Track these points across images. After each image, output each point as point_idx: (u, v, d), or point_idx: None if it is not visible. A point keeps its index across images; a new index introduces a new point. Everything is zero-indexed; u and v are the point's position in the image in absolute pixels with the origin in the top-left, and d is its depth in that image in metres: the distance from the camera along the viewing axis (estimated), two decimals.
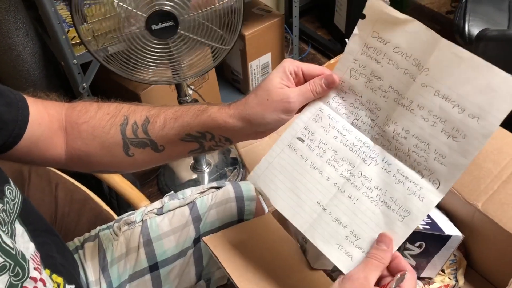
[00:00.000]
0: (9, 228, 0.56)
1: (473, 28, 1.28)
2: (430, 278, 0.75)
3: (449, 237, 0.71)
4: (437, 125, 0.50)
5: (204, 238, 0.67)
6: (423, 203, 0.51)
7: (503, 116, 0.47)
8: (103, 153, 0.66)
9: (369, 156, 0.55)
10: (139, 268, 0.84)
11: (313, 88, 0.58)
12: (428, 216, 0.73)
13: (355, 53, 0.56)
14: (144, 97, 1.52)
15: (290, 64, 0.58)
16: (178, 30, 1.14)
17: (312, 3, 2.48)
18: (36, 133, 0.64)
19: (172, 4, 1.11)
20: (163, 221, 0.88)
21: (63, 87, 1.55)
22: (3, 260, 0.52)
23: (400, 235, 0.51)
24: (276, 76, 0.57)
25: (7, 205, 0.57)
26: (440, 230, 0.71)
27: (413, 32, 0.51)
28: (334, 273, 0.68)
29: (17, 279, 0.53)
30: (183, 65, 1.29)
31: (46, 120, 0.65)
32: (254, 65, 1.93)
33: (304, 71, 0.58)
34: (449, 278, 0.76)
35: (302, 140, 0.58)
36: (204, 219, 0.88)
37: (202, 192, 0.92)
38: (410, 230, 0.51)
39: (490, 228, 0.69)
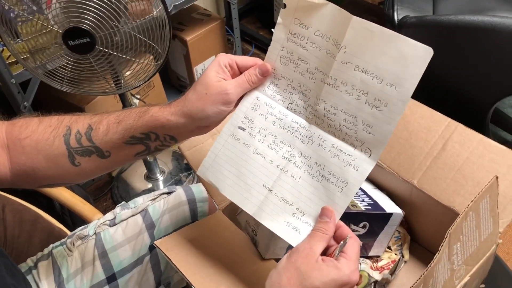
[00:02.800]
0: None
1: (401, 16, 1.34)
2: (378, 256, 0.79)
3: (390, 214, 0.75)
4: (361, 97, 0.54)
5: (156, 242, 0.68)
6: (358, 172, 0.55)
7: (416, 80, 0.51)
8: (48, 165, 0.66)
9: (306, 136, 0.59)
10: (96, 281, 0.84)
11: (248, 79, 0.61)
12: (369, 197, 0.77)
13: (281, 41, 0.59)
14: (89, 110, 1.50)
15: (225, 58, 0.60)
16: (97, 46, 1.14)
17: (251, 4, 2.51)
18: None
19: (88, 22, 1.11)
20: (117, 232, 0.88)
21: (3, 106, 1.50)
22: None
23: (341, 205, 0.55)
24: (212, 70, 0.59)
25: None
26: (382, 209, 0.74)
27: (328, 14, 0.55)
28: None
29: None
30: (125, 75, 1.28)
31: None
32: (200, 69, 1.94)
33: (238, 63, 0.60)
34: (395, 254, 0.80)
35: (243, 129, 0.61)
36: (158, 225, 0.89)
37: (153, 199, 0.93)
38: (349, 199, 0.55)
39: (426, 202, 0.73)
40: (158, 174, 1.67)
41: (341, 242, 0.53)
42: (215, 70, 0.59)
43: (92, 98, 1.50)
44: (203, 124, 0.61)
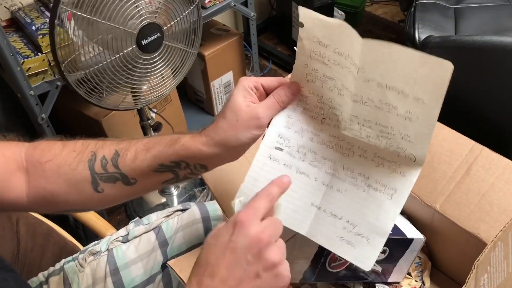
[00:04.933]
0: None
1: (422, 35, 1.33)
2: (398, 282, 0.76)
3: (411, 240, 0.72)
4: (392, 110, 0.53)
5: (169, 262, 0.66)
6: (405, 178, 0.55)
7: (441, 93, 0.50)
8: (70, 191, 0.64)
9: (346, 148, 0.58)
10: None
11: (278, 99, 0.59)
12: None
13: (305, 59, 0.58)
14: (106, 123, 1.50)
15: (249, 81, 0.58)
16: (164, 41, 1.15)
17: (269, 20, 2.52)
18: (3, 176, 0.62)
19: (156, 15, 1.12)
20: (129, 249, 0.86)
21: (21, 119, 1.52)
22: None
23: (392, 213, 0.55)
24: (239, 95, 0.57)
25: None
26: (402, 234, 0.72)
27: (343, 34, 0.53)
28: (302, 285, 0.68)
29: None
30: (143, 89, 1.29)
31: (1, 162, 0.63)
32: (217, 84, 1.94)
33: (263, 84, 0.59)
34: (415, 281, 0.77)
35: (281, 149, 0.59)
36: (171, 243, 0.87)
37: (167, 216, 0.92)
38: (400, 206, 0.55)
39: (449, 228, 0.71)
40: (172, 189, 1.66)
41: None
42: (242, 95, 0.57)
43: (110, 111, 1.51)
44: (237, 151, 0.59)
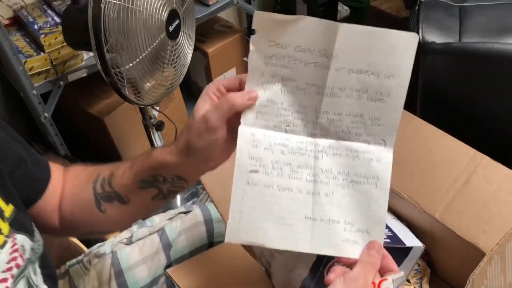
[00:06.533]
0: (34, 266, 0.59)
1: (427, 35, 1.32)
2: None
3: (410, 248, 0.73)
4: (362, 96, 0.55)
5: (168, 270, 0.68)
6: (382, 163, 0.57)
7: (408, 64, 0.54)
8: (81, 211, 0.67)
9: (318, 151, 0.58)
10: None
11: (227, 98, 0.56)
12: (389, 228, 0.75)
13: (259, 68, 0.56)
14: (109, 121, 1.51)
15: (211, 85, 0.58)
16: (181, 29, 1.14)
17: None
18: (50, 193, 0.67)
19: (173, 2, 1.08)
20: (133, 251, 0.87)
21: (25, 118, 1.52)
22: None
23: (381, 200, 0.56)
24: (200, 101, 0.57)
25: (36, 245, 0.59)
26: (401, 242, 0.72)
27: (308, 28, 0.54)
28: None
29: None
30: (145, 87, 1.28)
31: (56, 186, 0.69)
32: None
33: (225, 86, 0.58)
34: None
35: (256, 171, 0.57)
36: (174, 246, 0.88)
37: (170, 218, 0.93)
38: (387, 192, 0.56)
39: (448, 236, 0.71)
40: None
41: (396, 276, 0.54)
42: (203, 100, 0.57)
43: (112, 110, 1.51)
44: (200, 159, 0.58)
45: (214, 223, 0.92)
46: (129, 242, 0.89)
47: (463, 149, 0.74)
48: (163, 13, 1.07)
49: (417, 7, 1.50)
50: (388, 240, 0.72)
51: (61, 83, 1.33)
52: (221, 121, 0.56)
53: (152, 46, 1.08)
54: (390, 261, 0.56)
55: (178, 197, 1.66)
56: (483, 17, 1.46)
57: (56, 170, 0.70)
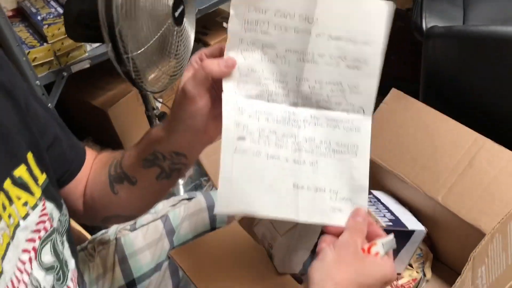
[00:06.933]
0: (61, 238, 0.60)
1: (430, 24, 1.31)
2: (399, 274, 0.77)
3: (412, 232, 0.73)
4: (340, 64, 0.56)
5: (171, 252, 0.68)
6: (361, 132, 0.57)
7: (383, 31, 0.55)
8: (100, 194, 0.68)
9: (300, 120, 0.58)
10: (116, 286, 0.84)
11: (200, 67, 0.55)
12: (391, 212, 0.75)
13: (238, 34, 0.55)
14: (112, 113, 1.52)
15: (195, 54, 0.57)
16: (185, 16, 1.12)
17: None
18: (80, 178, 0.69)
19: None
20: (137, 237, 0.88)
21: None
22: (53, 260, 0.56)
23: (362, 168, 0.57)
24: (184, 72, 0.57)
25: (63, 218, 0.60)
26: (403, 225, 0.73)
27: None
28: (303, 276, 0.69)
29: (58, 282, 0.57)
30: (149, 79, 1.29)
31: (87, 169, 0.70)
32: None
33: (207, 54, 0.57)
34: (417, 272, 0.78)
35: (243, 138, 0.56)
36: (178, 231, 0.89)
37: (174, 205, 0.93)
38: (367, 160, 0.57)
39: (451, 220, 0.71)
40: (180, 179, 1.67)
41: (385, 240, 0.55)
42: (186, 70, 0.56)
43: (116, 101, 1.52)
44: (187, 130, 0.58)
45: None
46: (133, 228, 0.89)
47: (465, 132, 0.75)
48: None
49: None
50: (390, 224, 0.73)
51: (64, 74, 1.34)
52: (199, 90, 0.54)
53: (160, 32, 1.07)
54: (376, 227, 0.57)
55: (182, 189, 1.67)
56: (487, 7, 1.46)
57: (89, 155, 0.71)
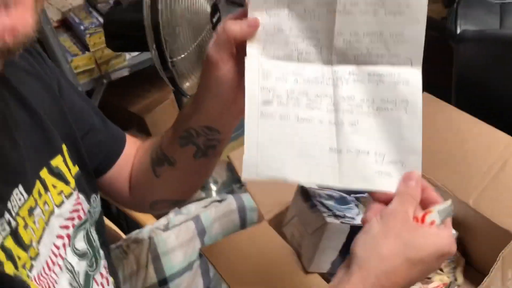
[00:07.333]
0: (92, 228, 0.62)
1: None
2: (429, 278, 0.76)
3: None
4: (379, 10, 0.50)
5: (202, 249, 0.70)
6: (410, 86, 0.50)
7: None
8: (142, 179, 0.70)
9: (336, 78, 0.52)
10: (149, 283, 0.87)
11: (223, 29, 0.52)
12: None
13: None
14: (149, 119, 1.57)
15: (221, 22, 0.54)
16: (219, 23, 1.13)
17: None
18: (122, 164, 0.71)
19: None
20: (170, 237, 0.90)
21: None
22: (86, 247, 0.59)
23: (413, 126, 0.50)
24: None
25: (92, 209, 0.62)
26: None
27: None
28: (331, 275, 0.70)
29: (91, 269, 0.59)
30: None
31: (130, 155, 0.72)
32: None
33: (231, 19, 0.53)
34: (447, 277, 0.77)
35: (270, 102, 0.52)
36: (209, 232, 0.91)
37: (205, 206, 0.95)
38: (419, 115, 0.50)
39: (482, 224, 0.70)
40: (211, 184, 1.70)
41: (441, 207, 0.48)
42: (212, 38, 0.54)
43: (153, 108, 1.57)
44: (215, 99, 0.55)
45: (247, 212, 0.95)
46: (166, 228, 0.92)
47: (498, 136, 0.74)
48: (207, 4, 1.09)
49: (455, 5, 1.49)
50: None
51: (104, 81, 1.40)
52: (222, 54, 0.52)
53: (199, 39, 1.09)
54: (432, 192, 0.50)
55: (214, 194, 1.69)
56: None
57: (131, 143, 0.72)
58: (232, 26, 0.51)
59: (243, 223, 0.93)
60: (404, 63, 0.50)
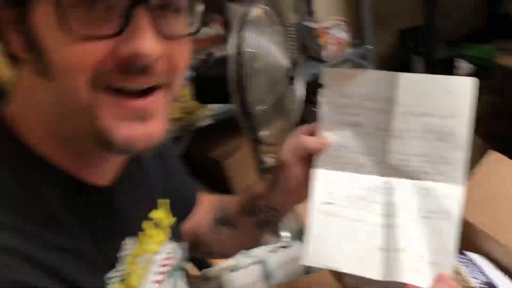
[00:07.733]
0: (177, 273, 0.70)
1: None
2: None
3: None
4: (428, 137, 0.60)
5: None
6: (451, 199, 0.59)
7: (467, 104, 0.58)
8: (203, 233, 0.81)
9: (389, 188, 0.62)
10: None
11: (299, 142, 0.66)
12: (485, 275, 0.74)
13: (329, 117, 0.64)
14: (228, 165, 1.64)
15: (296, 130, 0.70)
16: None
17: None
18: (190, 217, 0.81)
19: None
20: (237, 278, 0.96)
21: None
22: None
23: (451, 233, 0.59)
24: (285, 143, 0.69)
25: (183, 255, 0.73)
26: None
27: (371, 79, 0.61)
28: None
29: None
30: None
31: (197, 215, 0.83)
32: None
33: (303, 131, 0.68)
34: None
35: (331, 203, 0.63)
36: (273, 277, 0.95)
37: (271, 251, 1.00)
38: (456, 226, 0.59)
39: None
40: (284, 232, 1.73)
41: None
42: (287, 142, 0.68)
43: (232, 153, 1.65)
44: (282, 190, 0.69)
45: None
46: (233, 269, 0.98)
47: None
48: (284, 60, 1.15)
49: None
50: (484, 287, 0.71)
51: (189, 129, 1.51)
52: (295, 160, 0.66)
53: (277, 92, 1.16)
54: None
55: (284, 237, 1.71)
56: None
57: (202, 200, 0.84)
58: (309, 141, 0.65)
59: (308, 271, 0.95)
60: (448, 181, 0.60)
